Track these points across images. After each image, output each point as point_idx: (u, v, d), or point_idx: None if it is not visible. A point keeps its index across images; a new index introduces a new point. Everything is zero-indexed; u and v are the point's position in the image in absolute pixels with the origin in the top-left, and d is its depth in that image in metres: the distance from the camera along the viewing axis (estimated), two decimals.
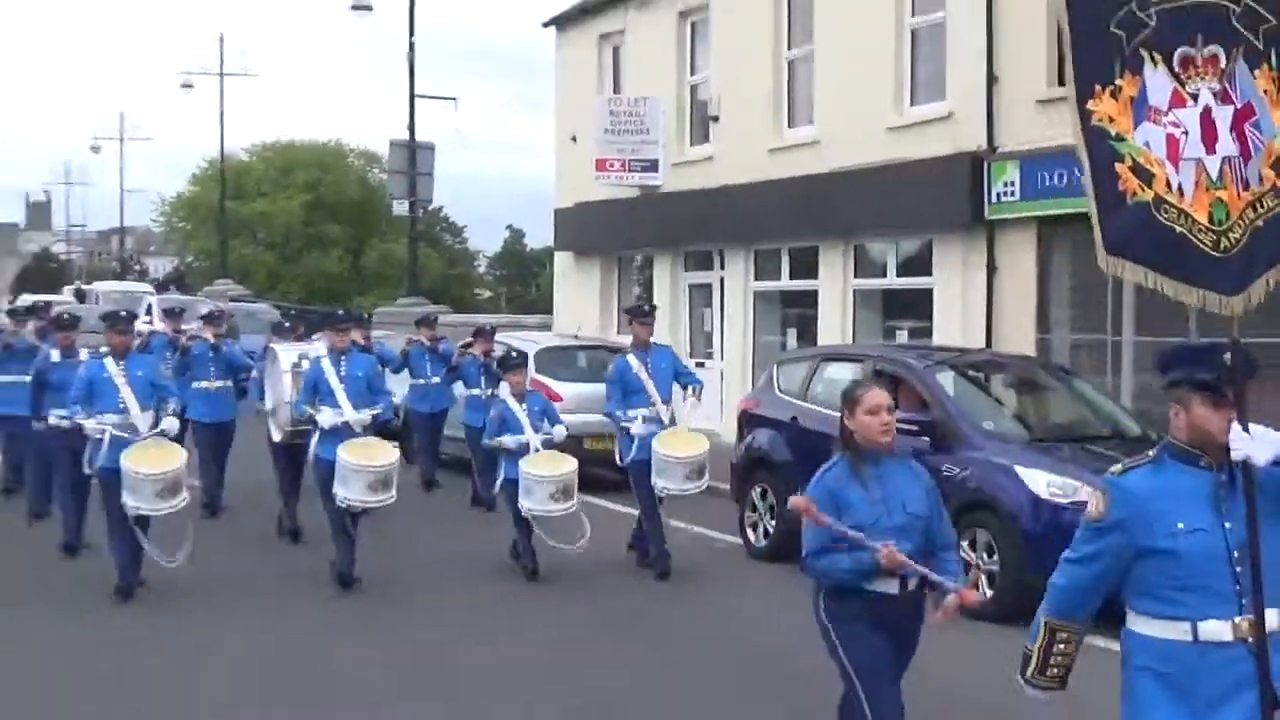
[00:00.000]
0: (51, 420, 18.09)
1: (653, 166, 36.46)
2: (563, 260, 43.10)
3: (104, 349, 17.18)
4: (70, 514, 19.26)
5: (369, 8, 52.02)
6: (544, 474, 17.99)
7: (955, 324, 27.38)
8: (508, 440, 18.46)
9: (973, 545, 16.72)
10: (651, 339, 19.98)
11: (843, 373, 20.01)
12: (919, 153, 27.98)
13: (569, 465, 18.27)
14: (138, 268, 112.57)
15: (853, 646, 9.02)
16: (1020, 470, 16.62)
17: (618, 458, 19.63)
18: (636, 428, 18.92)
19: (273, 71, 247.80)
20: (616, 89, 38.91)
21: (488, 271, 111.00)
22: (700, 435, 19.37)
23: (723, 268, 35.44)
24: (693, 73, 36.61)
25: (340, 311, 19.47)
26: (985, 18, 26.57)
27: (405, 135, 49.82)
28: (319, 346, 20.14)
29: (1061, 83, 24.76)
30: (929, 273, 28.90)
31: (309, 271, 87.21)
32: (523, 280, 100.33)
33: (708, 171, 34.90)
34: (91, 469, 16.63)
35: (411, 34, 50.58)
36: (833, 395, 19.13)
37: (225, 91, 77.96)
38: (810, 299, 32.18)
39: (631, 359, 19.30)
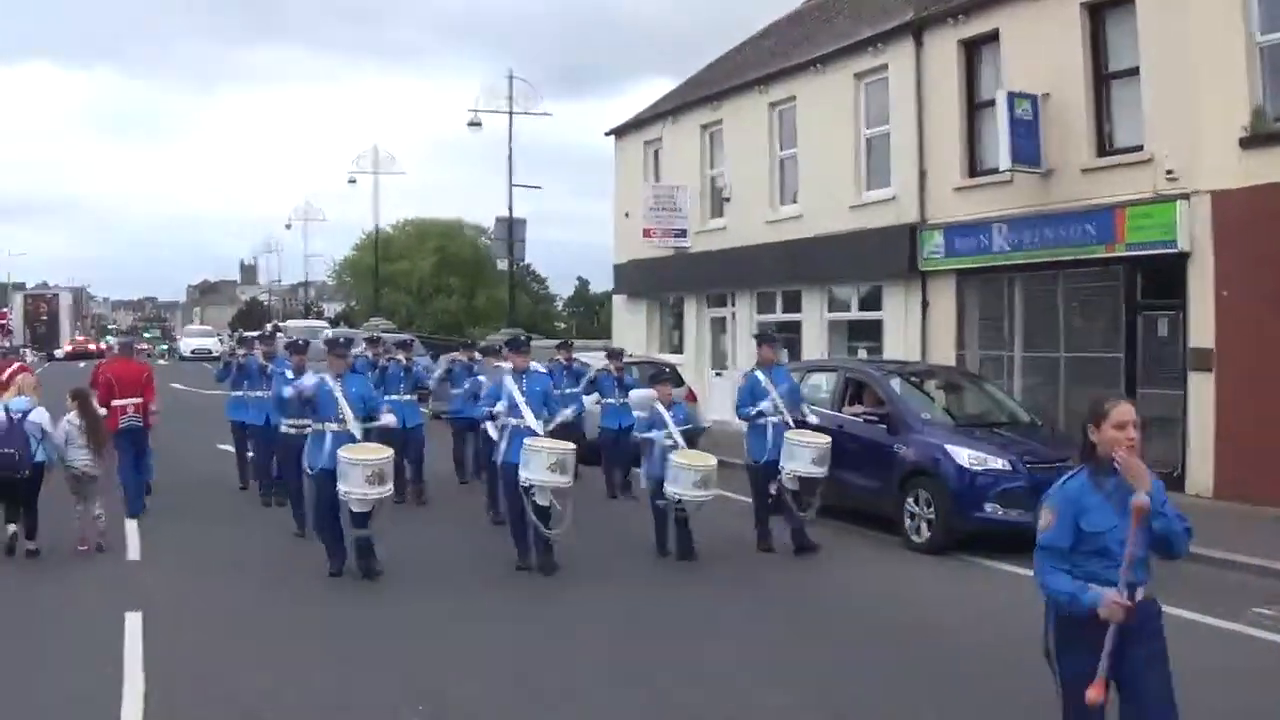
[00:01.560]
0: (282, 428, 17.44)
1: (683, 234, 36.68)
2: (619, 300, 43.07)
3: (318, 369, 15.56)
4: (299, 508, 16.86)
5: (479, 124, 52.40)
6: (691, 464, 15.73)
7: (899, 344, 27.78)
8: (656, 435, 16.49)
9: (916, 500, 17.08)
10: (776, 360, 17.96)
11: (822, 379, 20.59)
12: (872, 224, 28.50)
13: (711, 460, 15.98)
14: (317, 310, 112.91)
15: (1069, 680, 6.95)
16: (948, 447, 16.99)
17: (746, 455, 17.20)
18: (772, 423, 16.74)
19: (413, 168, 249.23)
20: (657, 179, 39.03)
21: (564, 309, 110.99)
22: (820, 435, 16.92)
23: (734, 305, 35.64)
24: (711, 167, 36.64)
25: (523, 336, 17.41)
26: (917, 130, 27.12)
27: (505, 213, 50.53)
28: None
29: (972, 175, 25.49)
30: (880, 308, 29.24)
31: (436, 310, 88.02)
32: (588, 316, 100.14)
33: (722, 237, 35.17)
34: (311, 471, 14.73)
35: (510, 141, 51.56)
36: (816, 394, 19.71)
37: (379, 184, 78.12)
38: (796, 327, 32.34)
39: (760, 375, 17.12)
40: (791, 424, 16.92)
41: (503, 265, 53.72)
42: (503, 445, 15.28)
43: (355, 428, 14.72)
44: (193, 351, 76.96)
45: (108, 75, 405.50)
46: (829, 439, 16.79)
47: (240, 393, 21.11)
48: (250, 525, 17.72)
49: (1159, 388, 21.28)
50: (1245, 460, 19.44)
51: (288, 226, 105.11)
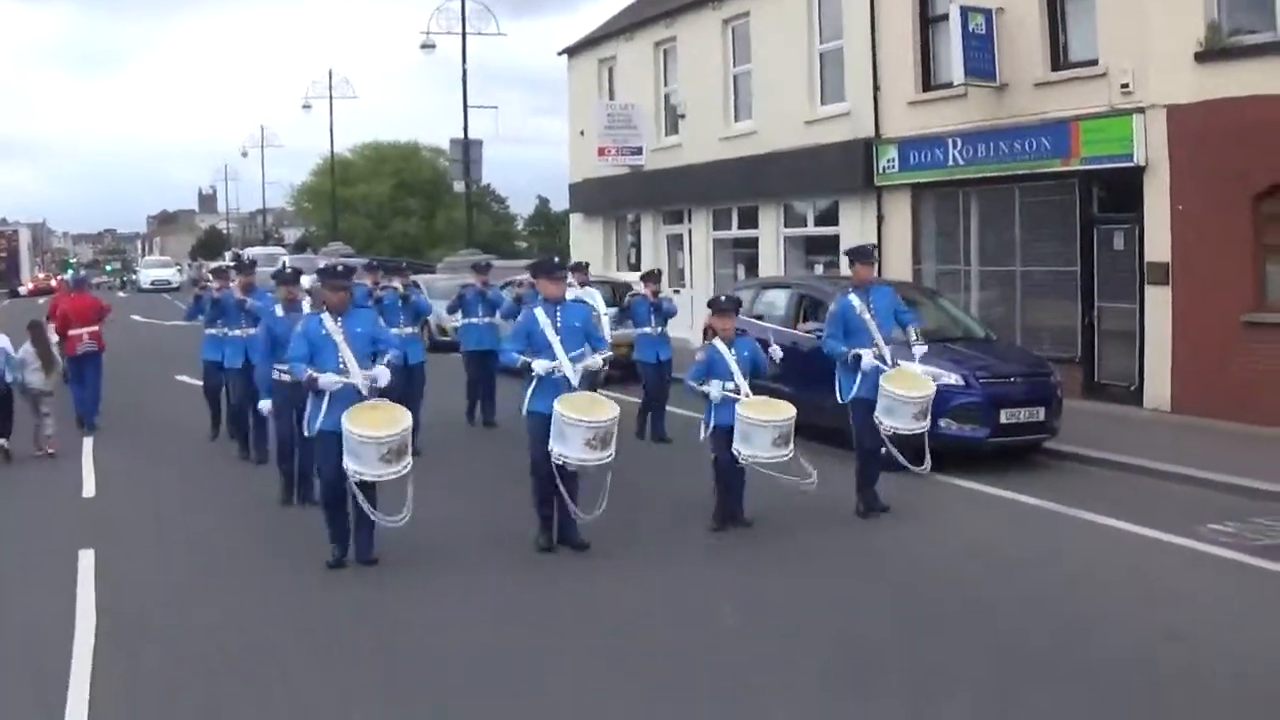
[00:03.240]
0: (273, 375, 14.18)
1: (638, 152, 36.43)
2: (576, 219, 42.97)
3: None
4: (287, 466, 14.49)
5: (433, 46, 51.77)
6: (766, 418, 12.82)
7: None
8: (714, 388, 13.01)
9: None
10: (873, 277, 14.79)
11: (778, 296, 20.35)
12: (828, 139, 28.24)
13: (788, 410, 13.00)
14: (276, 236, 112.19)
15: None
16: (902, 362, 16.61)
17: (838, 395, 14.13)
18: (865, 362, 13.65)
19: (369, 92, 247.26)
20: (611, 97, 38.71)
21: (524, 229, 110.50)
22: (925, 377, 14.29)
23: (690, 222, 35.44)
24: (665, 84, 36.33)
25: (555, 259, 13.66)
26: (870, 45, 26.74)
27: (461, 134, 50.04)
28: (593, 290, 17.78)
29: (926, 89, 25.28)
30: (836, 223, 29.04)
31: (395, 234, 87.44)
32: (549, 235, 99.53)
33: (678, 154, 34.94)
34: (310, 432, 11.81)
35: (464, 63, 50.95)
36: (771, 311, 19.53)
37: (334, 109, 77.58)
38: (753, 243, 32.34)
39: (854, 299, 14.05)
40: (889, 363, 13.90)
41: (460, 187, 53.30)
42: (529, 390, 12.24)
43: (361, 381, 11.60)
44: (152, 283, 76.38)
45: (67, 9, 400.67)
46: (933, 384, 14.16)
47: (215, 330, 18.13)
48: (207, 462, 17.28)
49: (1115, 301, 21.22)
50: (1202, 374, 19.39)
51: (244, 154, 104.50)
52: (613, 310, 21.25)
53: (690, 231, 35.46)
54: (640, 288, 20.43)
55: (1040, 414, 16.42)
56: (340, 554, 11.67)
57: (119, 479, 15.98)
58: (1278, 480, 13.76)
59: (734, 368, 13.18)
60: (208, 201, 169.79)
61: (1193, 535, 12.51)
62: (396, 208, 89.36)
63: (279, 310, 14.76)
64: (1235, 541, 12.27)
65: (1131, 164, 20.43)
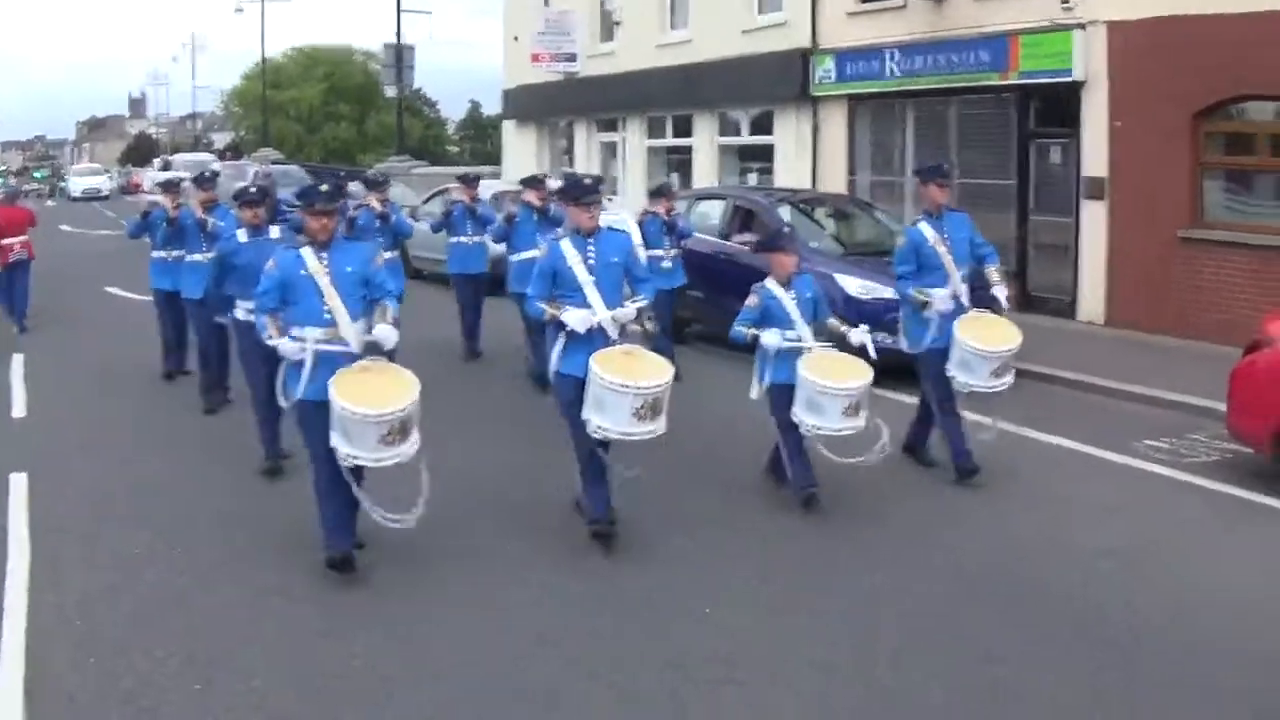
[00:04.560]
0: (240, 314, 12.07)
1: (573, 59, 36.15)
2: (509, 126, 42.72)
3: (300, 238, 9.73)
4: (269, 428, 12.01)
5: None
6: (837, 385, 10.33)
7: (790, 170, 27.61)
8: (770, 338, 10.62)
9: None
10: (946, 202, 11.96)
11: (712, 207, 20.23)
12: (764, 48, 28.00)
13: (864, 374, 10.48)
14: (206, 141, 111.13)
15: None
16: (837, 276, 16.61)
17: (904, 342, 12.02)
18: (938, 305, 11.47)
19: None
20: (547, 3, 38.15)
21: (455, 133, 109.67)
22: (1011, 324, 11.86)
23: (625, 130, 35.29)
24: None
25: (588, 179, 10.73)
26: None
27: (394, 38, 49.38)
28: (622, 215, 14.50)
29: (864, 0, 25.10)
30: (771, 133, 28.95)
31: (326, 139, 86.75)
32: (481, 139, 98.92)
33: (613, 62, 34.70)
34: (288, 401, 9.35)
35: None
36: (705, 224, 19.38)
37: (266, 11, 76.56)
38: (687, 152, 32.23)
39: (925, 228, 11.63)
40: (966, 305, 11.73)
41: (392, 93, 52.77)
42: (557, 347, 9.86)
43: (354, 337, 9.12)
44: (83, 191, 74.86)
45: None
46: (1018, 335, 11.72)
47: (164, 253, 16.00)
48: (141, 378, 16.70)
49: (1051, 215, 21.27)
50: (1136, 289, 19.50)
51: (175, 60, 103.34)
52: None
53: (625, 140, 35.32)
54: (650, 204, 17.28)
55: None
56: (344, 546, 9.14)
57: (49, 398, 15.62)
58: (1211, 396, 13.35)
59: (794, 314, 10.73)
60: (137, 106, 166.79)
61: (1128, 451, 12.59)
62: (328, 112, 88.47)
63: (241, 235, 12.26)
64: (1170, 459, 12.34)
65: (1070, 79, 20.38)
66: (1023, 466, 11.89)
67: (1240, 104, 18.40)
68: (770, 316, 10.75)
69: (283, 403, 9.43)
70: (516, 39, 38.90)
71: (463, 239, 18.08)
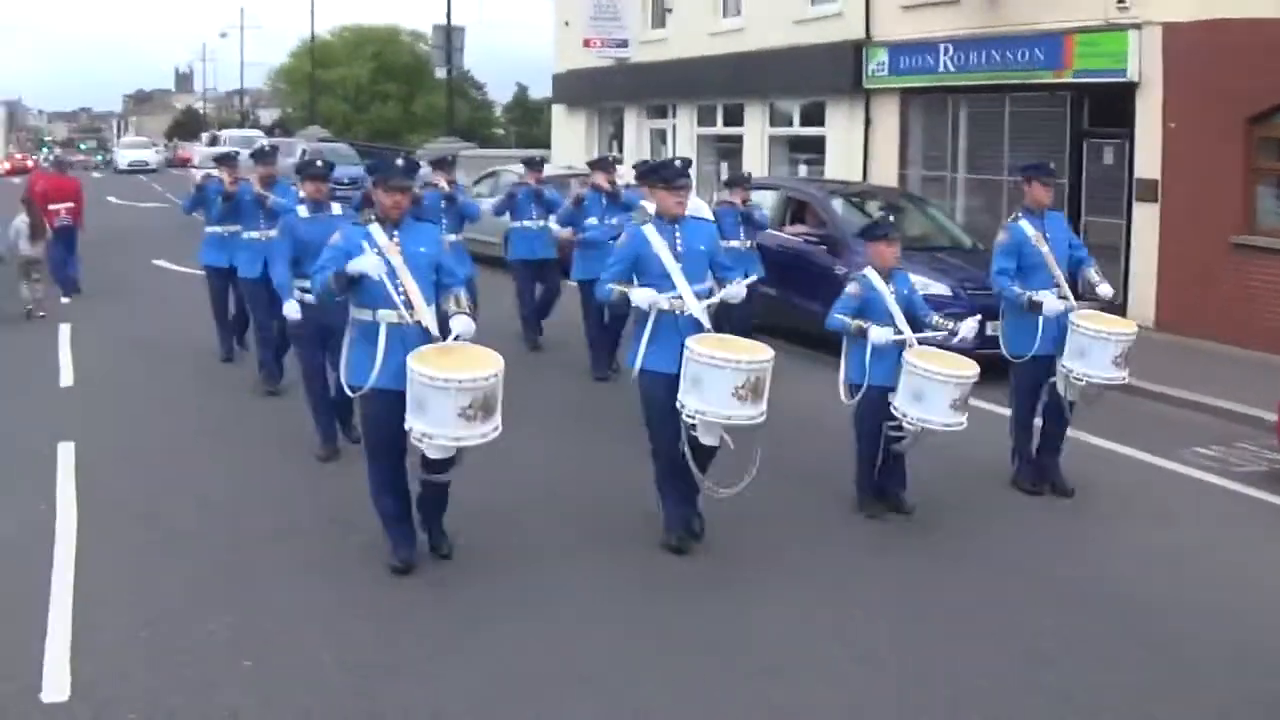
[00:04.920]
0: (295, 296, 11.38)
1: (624, 44, 35.97)
2: (558, 111, 42.56)
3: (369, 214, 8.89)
4: (325, 415, 11.80)
5: None
6: (948, 372, 9.69)
7: (841, 162, 27.42)
8: (879, 333, 9.83)
9: None
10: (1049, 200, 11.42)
11: (763, 198, 20.19)
12: (817, 39, 27.86)
13: (971, 367, 9.83)
14: (253, 118, 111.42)
15: None
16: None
17: (1004, 348, 11.17)
18: (1049, 306, 10.71)
19: None
20: None
21: (502, 116, 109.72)
22: (1123, 319, 11.61)
23: (674, 117, 35.22)
24: None
25: (678, 161, 10.75)
26: None
27: (443, 19, 49.39)
28: (697, 202, 12.37)
29: None
30: (823, 124, 28.80)
31: (373, 118, 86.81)
32: (527, 122, 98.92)
33: (664, 48, 34.55)
34: (351, 390, 8.61)
35: None
36: None
37: None
38: (738, 141, 32.11)
39: (1027, 225, 11.02)
40: (1073, 301, 11.01)
41: (441, 74, 52.74)
42: (643, 340, 9.14)
43: (430, 319, 8.50)
44: (130, 164, 75.27)
45: None
46: (1134, 324, 11.24)
47: (219, 229, 15.48)
48: (188, 350, 16.77)
49: (1103, 216, 21.12)
50: (1186, 294, 19.30)
51: (224, 35, 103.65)
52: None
53: (674, 127, 35.20)
54: (726, 194, 16.61)
55: None
56: (409, 555, 8.74)
57: (96, 368, 15.73)
58: (1261, 405, 13.35)
59: (893, 309, 10.02)
60: (184, 81, 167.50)
61: (1177, 458, 12.51)
62: (375, 91, 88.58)
63: (303, 210, 11.76)
64: (1219, 466, 12.28)
65: (1124, 79, 20.19)
66: (1070, 468, 11.78)
67: None
68: (868, 310, 10.03)
69: (349, 391, 8.61)
70: (568, 24, 38.69)
71: (526, 223, 17.36)
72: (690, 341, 8.81)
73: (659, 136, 36.44)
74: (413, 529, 8.91)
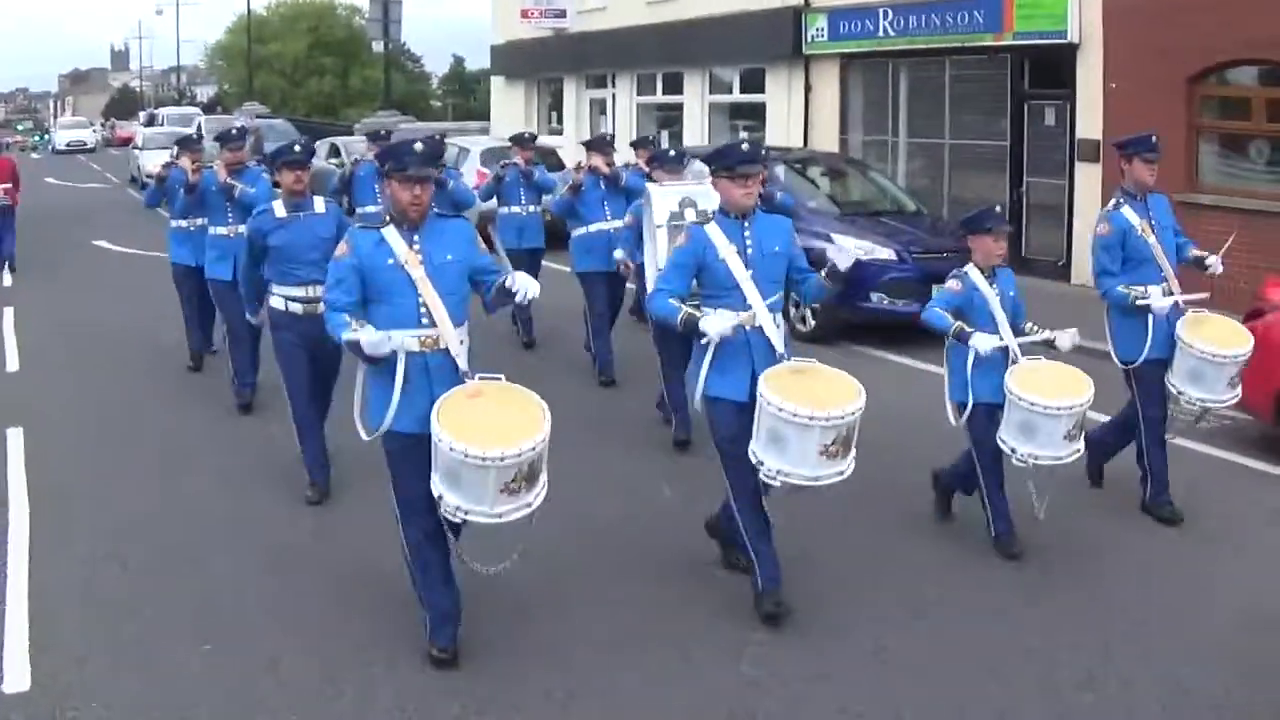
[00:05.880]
0: (276, 302, 9.89)
1: (562, 14, 35.84)
2: (497, 83, 42.35)
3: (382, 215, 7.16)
4: (311, 446, 9.95)
5: None
6: (1059, 403, 8.29)
7: (781, 129, 27.35)
8: (983, 341, 8.34)
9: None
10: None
11: (703, 165, 20.08)
12: (756, 6, 27.66)
13: (1084, 387, 8.46)
14: (190, 95, 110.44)
15: None
16: (834, 235, 16.10)
17: (1113, 352, 9.65)
18: (1157, 305, 9.24)
19: None
20: None
21: (439, 88, 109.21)
22: (1236, 323, 9.88)
23: (614, 87, 35.05)
24: None
25: (745, 144, 7.91)
26: None
27: None
28: (703, 187, 10.24)
29: None
30: (763, 91, 28.71)
31: (310, 93, 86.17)
32: (463, 95, 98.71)
33: (602, 18, 34.33)
34: (369, 433, 6.96)
35: None
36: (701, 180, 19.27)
37: None
38: (678, 110, 32.01)
39: (1130, 213, 9.39)
40: (1182, 303, 9.46)
41: (379, 47, 52.39)
42: (706, 361, 7.48)
43: (457, 344, 6.87)
44: (68, 144, 74.55)
45: None
46: (1249, 335, 9.70)
47: (185, 223, 13.81)
48: (132, 331, 16.50)
49: (1045, 177, 21.19)
50: None
51: (159, 12, 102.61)
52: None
53: (614, 96, 35.05)
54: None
55: None
56: (451, 640, 7.05)
57: (42, 352, 15.47)
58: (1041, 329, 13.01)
59: (997, 313, 8.64)
60: (120, 59, 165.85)
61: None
62: (312, 66, 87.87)
63: (278, 208, 9.90)
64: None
65: (1065, 40, 20.25)
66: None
67: (1235, 68, 18.31)
68: (968, 312, 8.64)
69: (363, 434, 7.03)
70: None
71: (515, 209, 15.80)
72: (765, 385, 7.16)
73: (598, 107, 36.25)
74: (457, 598, 7.15)
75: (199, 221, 13.41)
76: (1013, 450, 8.53)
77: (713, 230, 7.54)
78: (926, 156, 24.03)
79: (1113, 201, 9.63)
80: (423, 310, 6.81)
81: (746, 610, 7.61)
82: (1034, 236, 21.45)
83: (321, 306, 8.68)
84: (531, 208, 15.85)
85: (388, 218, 6.97)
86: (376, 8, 49.02)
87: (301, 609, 7.74)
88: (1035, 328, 8.81)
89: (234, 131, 13.40)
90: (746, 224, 7.56)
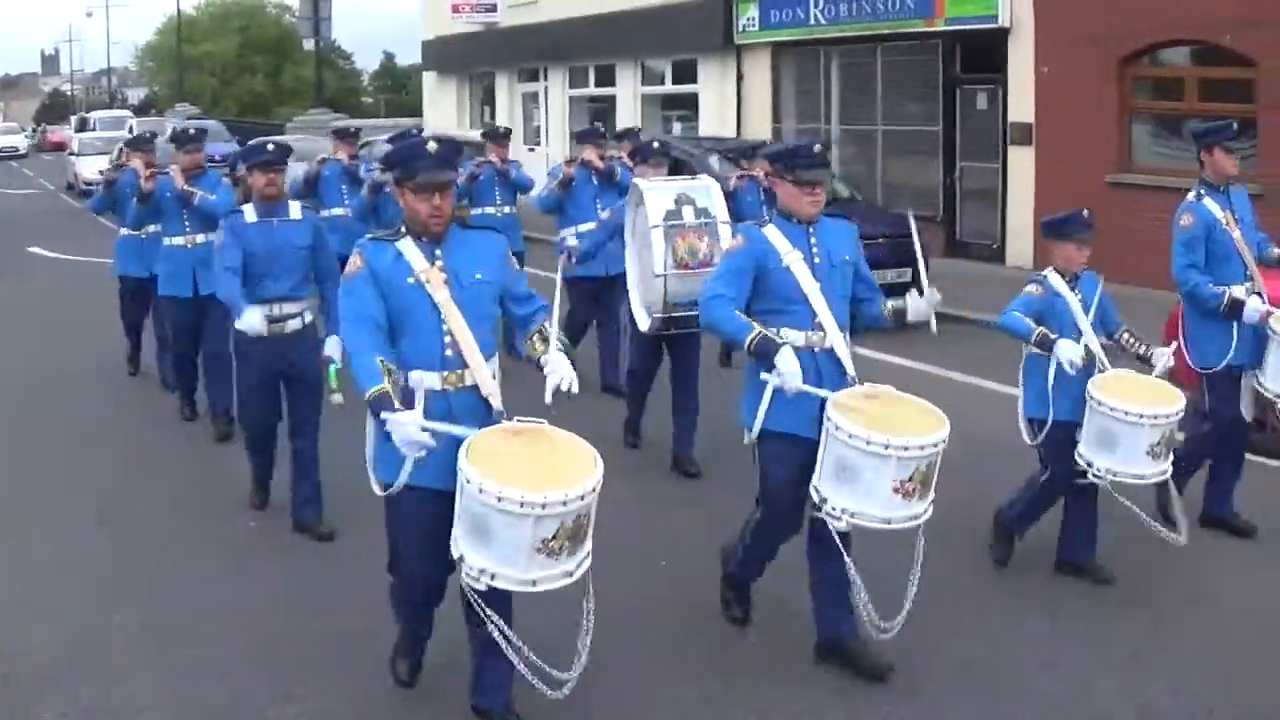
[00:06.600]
0: (240, 324, 8.33)
1: (493, 9, 35.65)
2: (429, 78, 42.15)
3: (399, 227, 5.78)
4: (263, 477, 9.17)
5: None
6: (1145, 410, 7.23)
7: (714, 119, 27.32)
8: (1068, 350, 7.31)
9: None
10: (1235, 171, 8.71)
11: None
12: None
13: (1175, 399, 7.41)
14: (121, 98, 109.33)
15: None
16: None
17: (1187, 357, 8.45)
18: (1251, 310, 8.19)
19: None
20: None
21: (370, 84, 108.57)
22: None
23: (546, 80, 34.82)
24: None
25: (815, 146, 6.58)
26: None
27: None
28: (699, 181, 9.87)
29: None
30: (695, 81, 28.65)
31: (241, 92, 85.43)
32: (395, 90, 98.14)
33: (533, 11, 34.06)
34: (383, 488, 5.66)
35: None
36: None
37: None
38: (610, 101, 31.82)
39: (1213, 205, 8.39)
40: (1265, 297, 8.39)
41: (310, 45, 51.85)
42: (767, 389, 6.26)
43: (489, 380, 5.66)
44: None
45: None
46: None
47: (133, 231, 12.50)
48: (73, 341, 15.92)
49: (978, 160, 21.19)
50: None
51: (89, 15, 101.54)
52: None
53: (546, 90, 34.84)
54: (745, 166, 14.01)
55: (907, 275, 16.18)
56: (411, 665, 6.36)
57: None
58: (1140, 340, 13.02)
59: (1082, 322, 7.62)
60: (51, 63, 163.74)
61: None
62: (242, 65, 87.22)
63: (249, 213, 8.63)
64: None
65: (996, 25, 20.23)
66: (961, 411, 11.14)
67: (1167, 49, 18.35)
68: (1049, 320, 7.66)
69: (376, 488, 5.73)
70: None
71: (490, 209, 14.24)
72: (834, 410, 6.08)
73: (531, 100, 36.05)
74: (423, 642, 6.34)
75: (151, 229, 11.96)
76: (1089, 464, 7.50)
77: (772, 233, 6.45)
78: (859, 143, 23.97)
79: (1193, 193, 8.66)
80: (448, 341, 5.57)
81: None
82: (968, 221, 21.44)
83: (291, 325, 8.27)
84: (507, 208, 14.31)
85: (402, 229, 5.72)
86: (306, 6, 48.66)
87: (257, 616, 7.46)
88: (1131, 339, 7.96)
89: (191, 132, 11.73)
90: (811, 228, 6.48)
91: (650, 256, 9.36)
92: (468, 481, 5.12)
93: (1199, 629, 7.13)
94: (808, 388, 6.15)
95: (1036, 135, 19.69)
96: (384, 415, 5.25)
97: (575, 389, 5.53)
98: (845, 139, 24.33)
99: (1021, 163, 20.02)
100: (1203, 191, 8.54)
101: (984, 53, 20.81)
